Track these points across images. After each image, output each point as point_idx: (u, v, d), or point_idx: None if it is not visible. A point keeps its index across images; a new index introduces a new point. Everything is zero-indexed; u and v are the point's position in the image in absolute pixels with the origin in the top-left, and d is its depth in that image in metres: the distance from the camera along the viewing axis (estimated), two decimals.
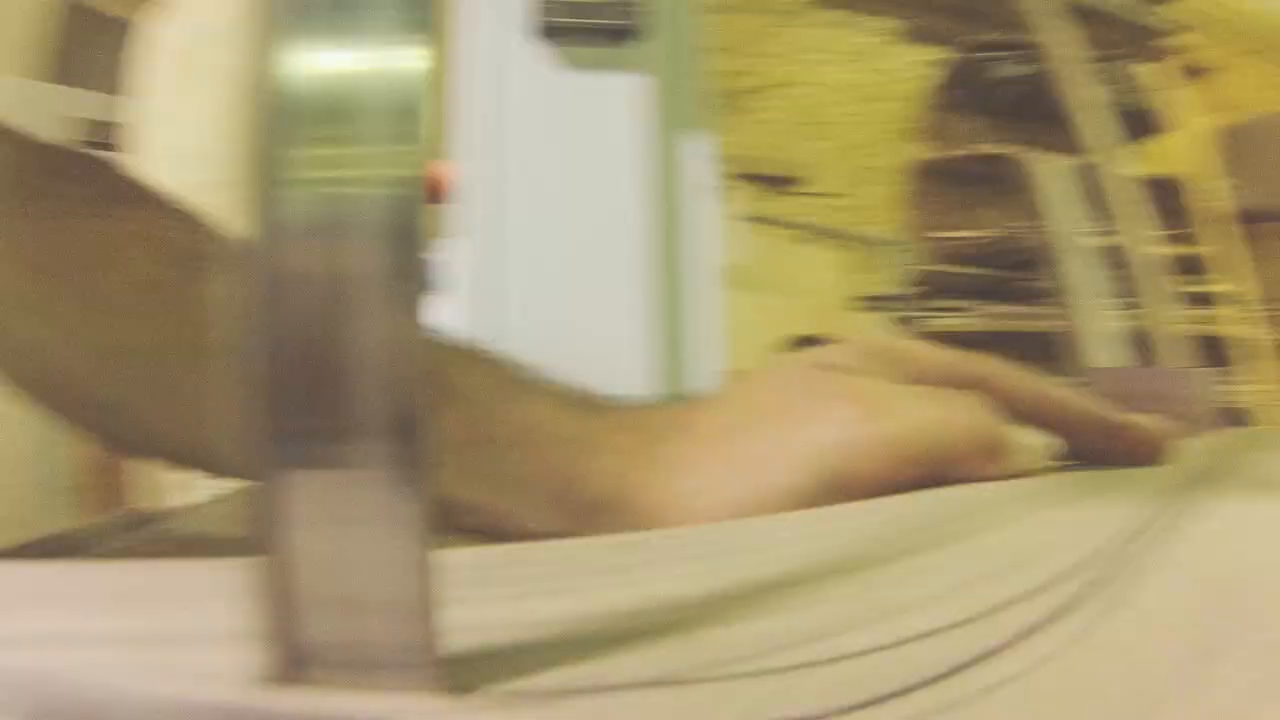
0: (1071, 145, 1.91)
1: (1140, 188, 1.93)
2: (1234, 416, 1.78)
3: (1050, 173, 1.75)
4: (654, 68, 0.68)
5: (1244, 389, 1.95)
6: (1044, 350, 1.66)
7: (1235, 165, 2.30)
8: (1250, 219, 2.32)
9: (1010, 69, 1.86)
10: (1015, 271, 1.72)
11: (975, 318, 1.81)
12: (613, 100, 0.65)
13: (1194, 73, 2.31)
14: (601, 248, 0.61)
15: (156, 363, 0.23)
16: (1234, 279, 2.05)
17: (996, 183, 1.75)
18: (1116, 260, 1.79)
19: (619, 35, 0.68)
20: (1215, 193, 2.17)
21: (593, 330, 0.58)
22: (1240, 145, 2.36)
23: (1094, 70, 1.98)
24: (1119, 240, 1.81)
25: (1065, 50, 1.92)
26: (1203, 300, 2.04)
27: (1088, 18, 2.11)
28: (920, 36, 2.00)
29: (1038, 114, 1.98)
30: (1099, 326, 1.64)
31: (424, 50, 0.09)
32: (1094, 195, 1.82)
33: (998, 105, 1.89)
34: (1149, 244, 1.87)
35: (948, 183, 1.91)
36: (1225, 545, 0.18)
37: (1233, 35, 2.92)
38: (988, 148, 1.76)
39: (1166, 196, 2.17)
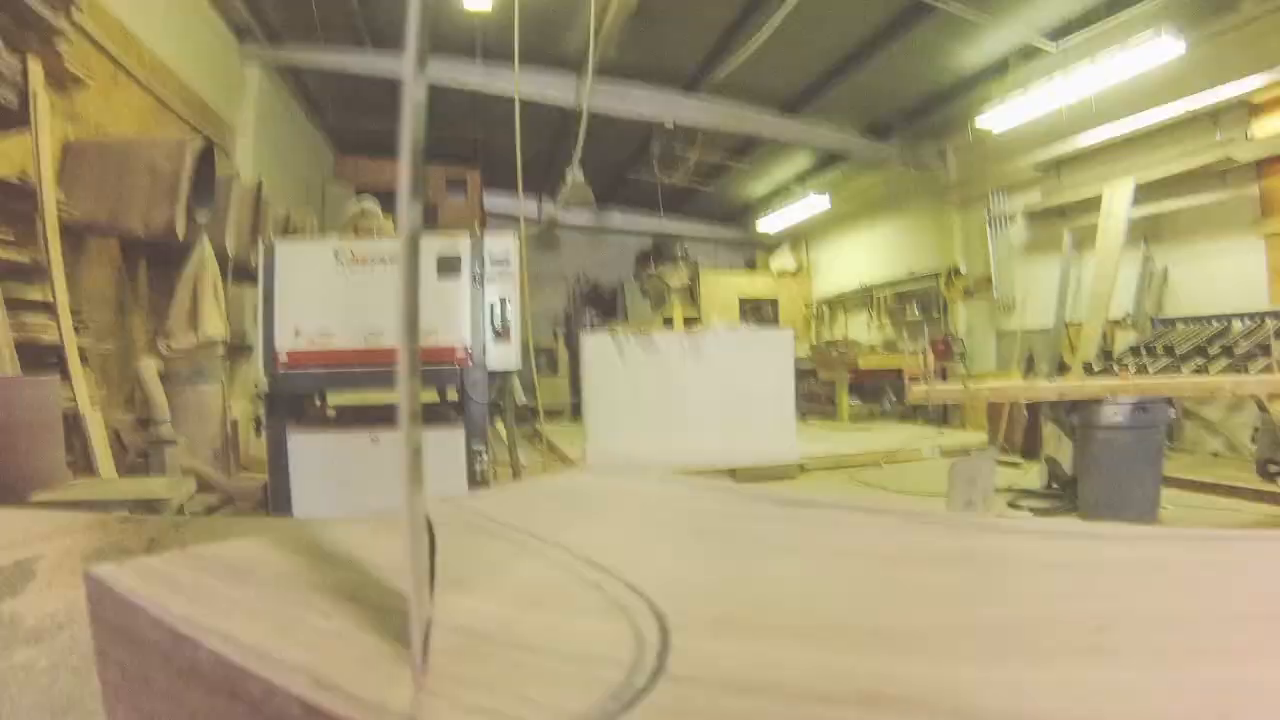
0: None
1: None
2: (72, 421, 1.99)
3: None
4: None
5: (72, 394, 2.24)
6: None
7: (72, 179, 2.56)
8: (79, 231, 2.61)
9: None
10: None
11: None
12: None
13: (65, 80, 2.45)
14: None
15: None
16: (58, 288, 2.32)
17: None
18: None
19: None
20: (52, 202, 2.36)
21: None
22: (80, 160, 2.63)
23: None
24: None
25: None
26: (30, 307, 2.24)
27: None
28: None
29: None
30: None
31: None
32: None
33: None
34: None
35: None
36: None
37: (108, 52, 3.06)
38: None
39: (8, 199, 2.25)
